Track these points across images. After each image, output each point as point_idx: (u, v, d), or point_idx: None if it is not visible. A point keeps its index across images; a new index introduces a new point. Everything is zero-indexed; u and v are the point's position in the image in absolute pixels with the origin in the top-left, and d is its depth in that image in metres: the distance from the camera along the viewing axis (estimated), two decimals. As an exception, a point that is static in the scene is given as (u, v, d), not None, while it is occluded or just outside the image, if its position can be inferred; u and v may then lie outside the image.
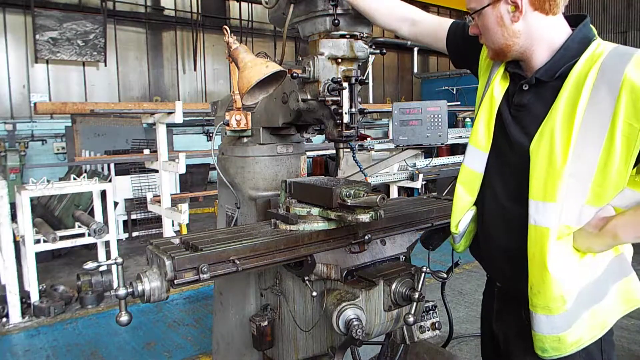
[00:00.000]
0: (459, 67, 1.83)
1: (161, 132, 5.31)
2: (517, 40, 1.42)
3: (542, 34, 1.41)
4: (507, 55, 1.48)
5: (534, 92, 1.46)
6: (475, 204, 1.63)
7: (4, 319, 4.18)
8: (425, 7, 18.10)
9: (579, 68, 1.34)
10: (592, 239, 1.37)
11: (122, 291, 1.34)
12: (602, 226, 1.35)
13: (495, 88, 1.54)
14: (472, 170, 1.59)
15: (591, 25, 1.44)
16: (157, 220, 6.70)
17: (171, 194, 5.61)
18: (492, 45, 1.48)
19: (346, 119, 1.70)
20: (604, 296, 1.41)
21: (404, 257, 1.86)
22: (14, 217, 4.52)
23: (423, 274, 1.60)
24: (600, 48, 1.36)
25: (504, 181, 1.52)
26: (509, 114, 1.50)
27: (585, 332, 1.40)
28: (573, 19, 1.44)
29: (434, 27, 1.79)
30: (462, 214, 1.63)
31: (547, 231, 1.34)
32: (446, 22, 1.78)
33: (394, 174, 6.79)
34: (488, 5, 1.41)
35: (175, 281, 1.36)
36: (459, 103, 12.37)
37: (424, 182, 7.12)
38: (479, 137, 1.55)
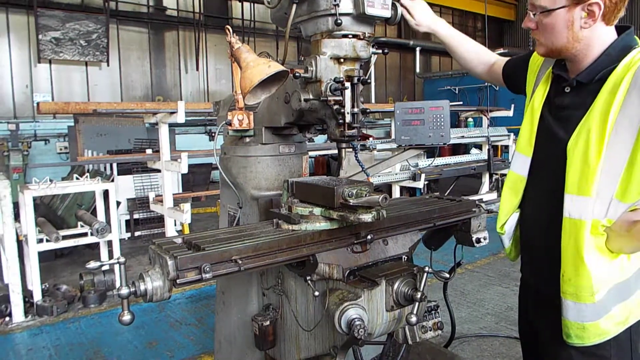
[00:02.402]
0: (515, 92, 1.96)
1: (163, 132, 5.32)
2: (577, 45, 1.50)
3: (598, 42, 1.49)
4: (560, 55, 1.57)
5: (574, 94, 1.56)
6: (520, 206, 1.75)
7: (7, 318, 4.19)
8: (428, 7, 18.10)
9: (617, 73, 1.44)
10: (623, 240, 1.45)
11: (124, 290, 1.34)
12: (631, 229, 1.43)
13: (535, 97, 1.66)
14: (517, 174, 1.72)
15: (635, 36, 1.54)
16: (160, 220, 6.71)
17: (173, 194, 5.63)
18: (550, 44, 1.54)
19: (348, 118, 1.70)
20: (630, 296, 1.50)
21: (406, 257, 1.86)
22: (17, 217, 4.53)
23: (425, 274, 1.60)
24: (638, 55, 1.44)
25: (544, 180, 1.64)
26: (550, 116, 1.61)
27: (611, 327, 1.49)
28: (620, 29, 1.54)
29: (500, 66, 1.98)
30: (508, 216, 1.76)
31: (580, 223, 1.45)
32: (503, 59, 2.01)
33: (396, 174, 6.80)
34: (563, 7, 1.45)
35: (178, 280, 1.36)
36: (461, 103, 12.36)
37: (426, 182, 7.13)
38: (523, 143, 1.69)
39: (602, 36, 1.49)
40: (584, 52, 1.51)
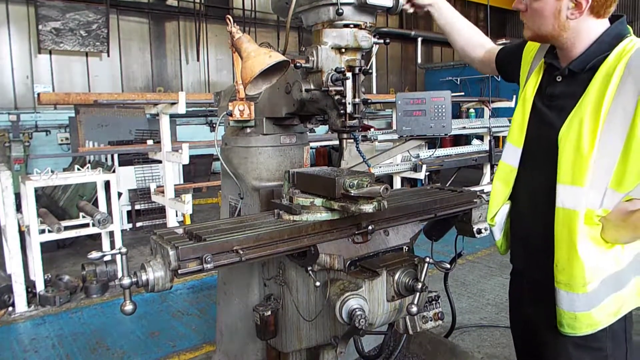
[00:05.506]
0: (508, 80, 1.91)
1: (164, 123, 5.30)
2: (563, 34, 1.49)
3: (587, 33, 1.49)
4: (546, 41, 1.57)
5: (565, 83, 1.55)
6: (510, 198, 1.73)
7: (10, 308, 4.22)
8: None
9: (610, 62, 1.43)
10: (619, 230, 1.45)
11: (126, 281, 1.35)
12: (627, 219, 1.43)
13: (528, 86, 1.64)
14: (507, 165, 1.70)
15: (628, 25, 1.52)
16: (161, 211, 6.72)
17: (175, 185, 5.62)
18: (536, 29, 1.54)
19: (349, 109, 1.69)
20: (624, 286, 1.50)
21: (407, 248, 1.86)
22: (18, 208, 4.54)
23: (426, 265, 1.60)
24: (631, 44, 1.44)
25: (536, 170, 1.62)
26: (542, 105, 1.60)
27: (603, 317, 1.49)
28: (611, 18, 1.52)
29: (493, 52, 1.92)
30: (499, 207, 1.74)
31: (574, 213, 1.44)
32: (496, 47, 1.95)
33: (397, 165, 6.77)
34: None
35: (179, 271, 1.37)
36: (462, 93, 12.29)
37: (427, 173, 7.11)
38: (514, 133, 1.68)
39: (592, 28, 1.48)
40: (572, 42, 1.50)
